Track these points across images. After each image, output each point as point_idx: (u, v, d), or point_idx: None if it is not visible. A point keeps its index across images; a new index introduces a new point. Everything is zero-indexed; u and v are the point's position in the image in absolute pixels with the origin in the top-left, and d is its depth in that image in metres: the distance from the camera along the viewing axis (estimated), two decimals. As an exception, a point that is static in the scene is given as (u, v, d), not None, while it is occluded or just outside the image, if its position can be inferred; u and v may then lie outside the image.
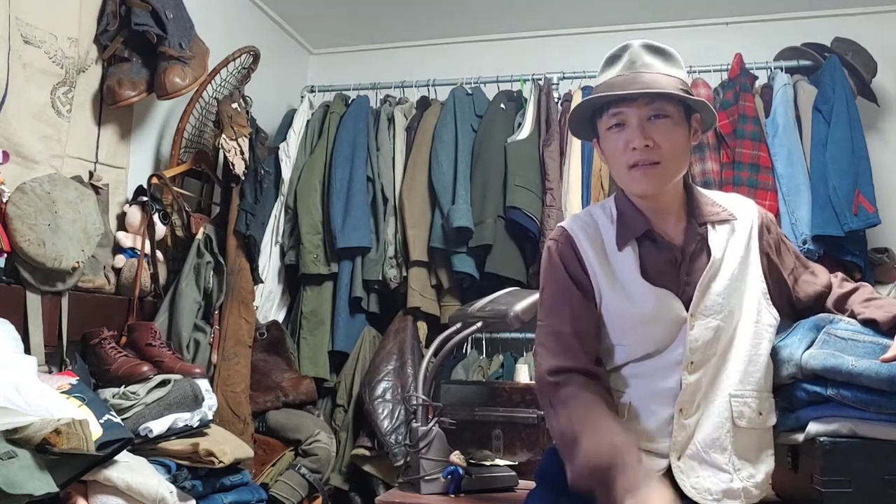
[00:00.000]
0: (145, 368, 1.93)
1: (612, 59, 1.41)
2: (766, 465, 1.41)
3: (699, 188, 1.51)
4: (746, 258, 1.44)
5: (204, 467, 1.86)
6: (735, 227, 1.45)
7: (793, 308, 1.51)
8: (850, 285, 1.52)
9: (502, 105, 2.99)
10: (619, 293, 1.42)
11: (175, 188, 2.44)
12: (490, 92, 3.10)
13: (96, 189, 2.18)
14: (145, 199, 2.31)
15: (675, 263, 1.42)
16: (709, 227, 1.44)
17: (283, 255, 2.97)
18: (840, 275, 1.56)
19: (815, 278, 1.53)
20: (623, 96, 1.35)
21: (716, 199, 1.49)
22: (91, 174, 2.22)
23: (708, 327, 1.38)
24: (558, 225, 1.54)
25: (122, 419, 1.75)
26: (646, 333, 1.40)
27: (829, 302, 1.50)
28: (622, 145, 1.36)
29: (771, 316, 1.45)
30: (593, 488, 1.24)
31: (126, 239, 2.26)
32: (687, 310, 1.38)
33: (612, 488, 1.19)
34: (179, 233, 2.44)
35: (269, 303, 2.90)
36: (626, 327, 1.42)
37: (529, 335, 2.88)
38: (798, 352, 1.41)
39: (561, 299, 1.44)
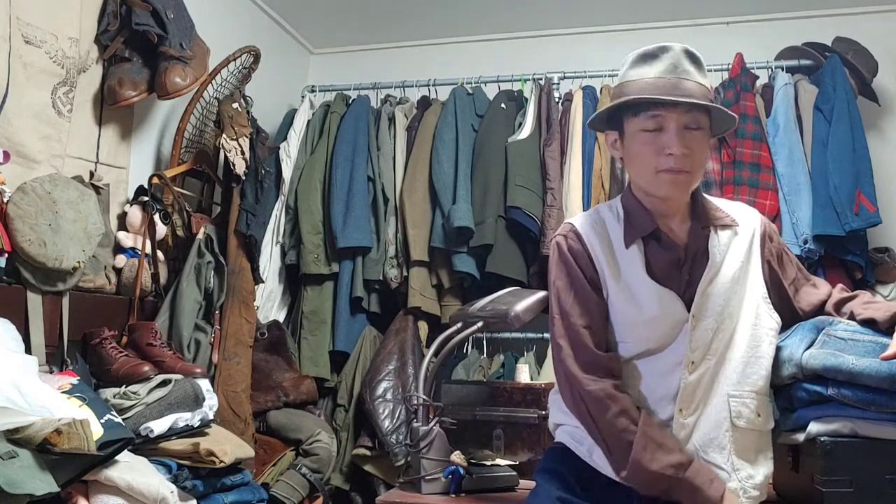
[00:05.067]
0: (146, 368, 1.93)
1: (648, 58, 1.39)
2: (765, 467, 1.41)
3: (703, 194, 1.53)
4: (747, 263, 1.46)
5: (205, 467, 1.85)
6: (737, 232, 1.47)
7: (794, 317, 1.52)
8: (849, 292, 1.54)
9: (503, 105, 2.99)
10: (625, 290, 1.43)
11: (176, 188, 2.44)
12: (491, 92, 3.09)
13: (97, 189, 2.18)
14: (146, 198, 2.31)
15: (679, 264, 1.44)
16: (712, 230, 1.46)
17: (283, 254, 2.96)
18: (840, 285, 1.58)
19: (817, 289, 1.55)
20: (677, 103, 1.35)
21: (719, 205, 1.51)
22: (92, 174, 2.22)
23: (708, 328, 1.40)
24: (566, 221, 1.56)
25: (123, 419, 1.75)
26: (648, 331, 1.41)
27: (829, 306, 1.52)
28: (656, 149, 1.36)
29: (772, 320, 1.46)
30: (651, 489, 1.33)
31: (127, 239, 2.26)
32: (688, 310, 1.40)
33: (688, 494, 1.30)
34: (180, 233, 2.44)
35: (269, 303, 2.90)
36: (629, 324, 1.43)
37: (530, 335, 2.89)
38: (798, 352, 1.41)
39: (574, 294, 1.45)
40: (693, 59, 1.39)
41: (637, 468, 1.31)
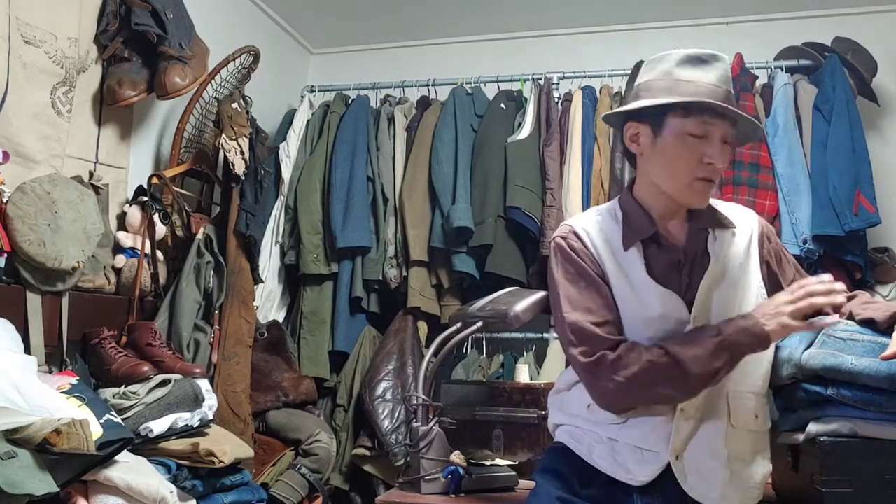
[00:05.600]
0: (145, 368, 1.93)
1: (699, 62, 1.38)
2: (763, 467, 1.41)
3: None
4: (746, 264, 1.46)
5: (204, 467, 1.86)
6: (735, 233, 1.47)
7: None
8: (848, 292, 1.53)
9: (502, 105, 2.99)
10: (628, 290, 1.42)
11: (175, 188, 2.44)
12: (490, 92, 3.09)
13: (96, 189, 2.18)
14: (145, 198, 2.31)
15: (678, 266, 1.43)
16: (710, 231, 1.46)
17: (283, 254, 2.97)
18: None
19: None
20: (750, 121, 1.39)
21: (717, 206, 1.51)
22: (91, 174, 2.22)
23: None
24: (563, 224, 1.54)
25: (123, 419, 1.75)
26: (651, 331, 1.40)
27: None
28: (698, 156, 1.36)
29: None
30: (716, 368, 1.31)
31: (126, 239, 2.26)
32: (689, 311, 1.39)
33: (742, 340, 1.31)
34: (179, 233, 2.44)
35: (269, 303, 2.90)
36: (633, 320, 1.42)
37: (530, 335, 2.89)
38: (798, 352, 1.41)
39: (583, 287, 1.43)
40: None
41: (694, 360, 1.30)
